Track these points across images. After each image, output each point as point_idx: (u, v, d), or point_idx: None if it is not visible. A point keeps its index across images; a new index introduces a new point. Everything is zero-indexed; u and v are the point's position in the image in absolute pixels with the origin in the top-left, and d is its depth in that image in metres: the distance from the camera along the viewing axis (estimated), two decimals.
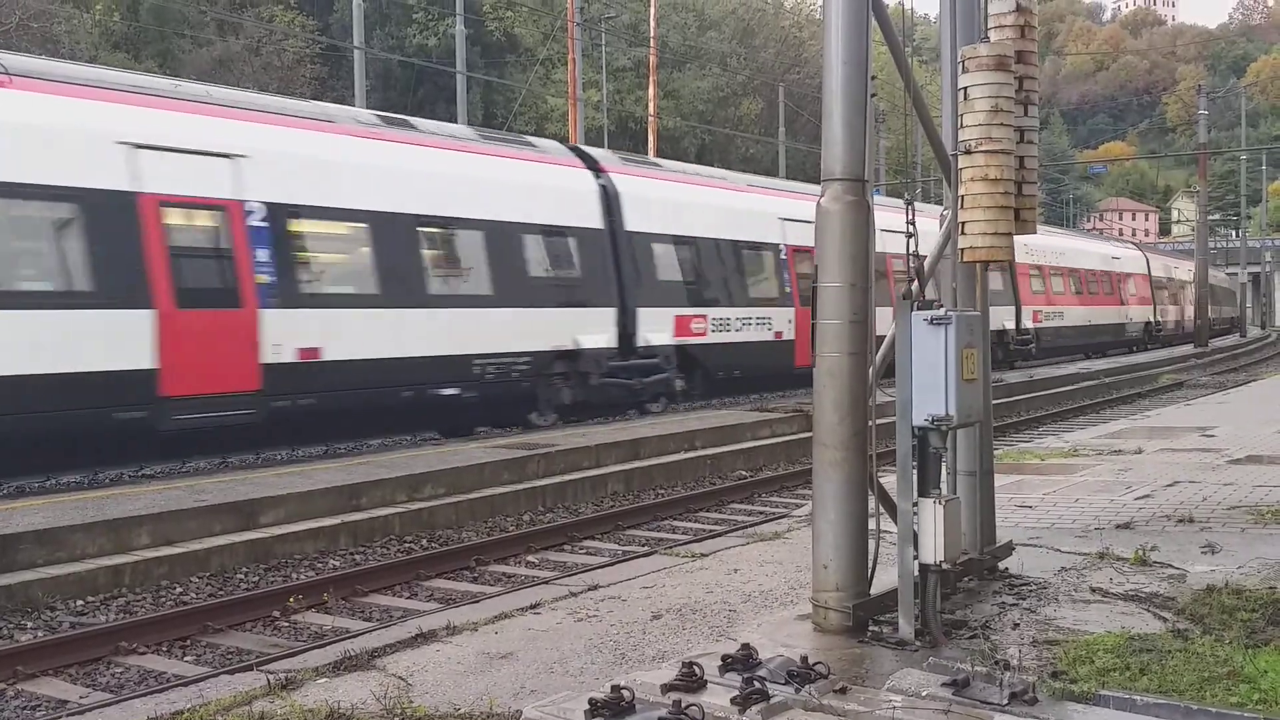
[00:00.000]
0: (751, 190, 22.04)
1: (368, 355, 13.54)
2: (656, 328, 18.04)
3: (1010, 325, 28.12)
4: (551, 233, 16.56)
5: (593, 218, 17.31)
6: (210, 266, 12.25)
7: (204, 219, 12.34)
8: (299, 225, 13.15)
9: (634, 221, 17.98)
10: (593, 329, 16.91)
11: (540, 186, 16.66)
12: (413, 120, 16.66)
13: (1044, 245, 33.41)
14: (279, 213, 12.84)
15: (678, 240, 18.85)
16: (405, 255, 14.30)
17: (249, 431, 12.65)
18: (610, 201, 17.70)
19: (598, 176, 17.94)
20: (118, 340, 11.34)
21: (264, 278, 12.55)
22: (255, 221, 12.59)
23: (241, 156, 12.58)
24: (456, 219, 15.14)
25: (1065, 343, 34.48)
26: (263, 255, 12.58)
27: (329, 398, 13.11)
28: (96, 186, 11.37)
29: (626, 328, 17.53)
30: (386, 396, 13.89)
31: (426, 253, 14.65)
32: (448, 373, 14.57)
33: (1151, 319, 43.65)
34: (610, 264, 17.47)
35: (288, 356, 12.67)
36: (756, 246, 20.76)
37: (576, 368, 16.69)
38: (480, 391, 15.05)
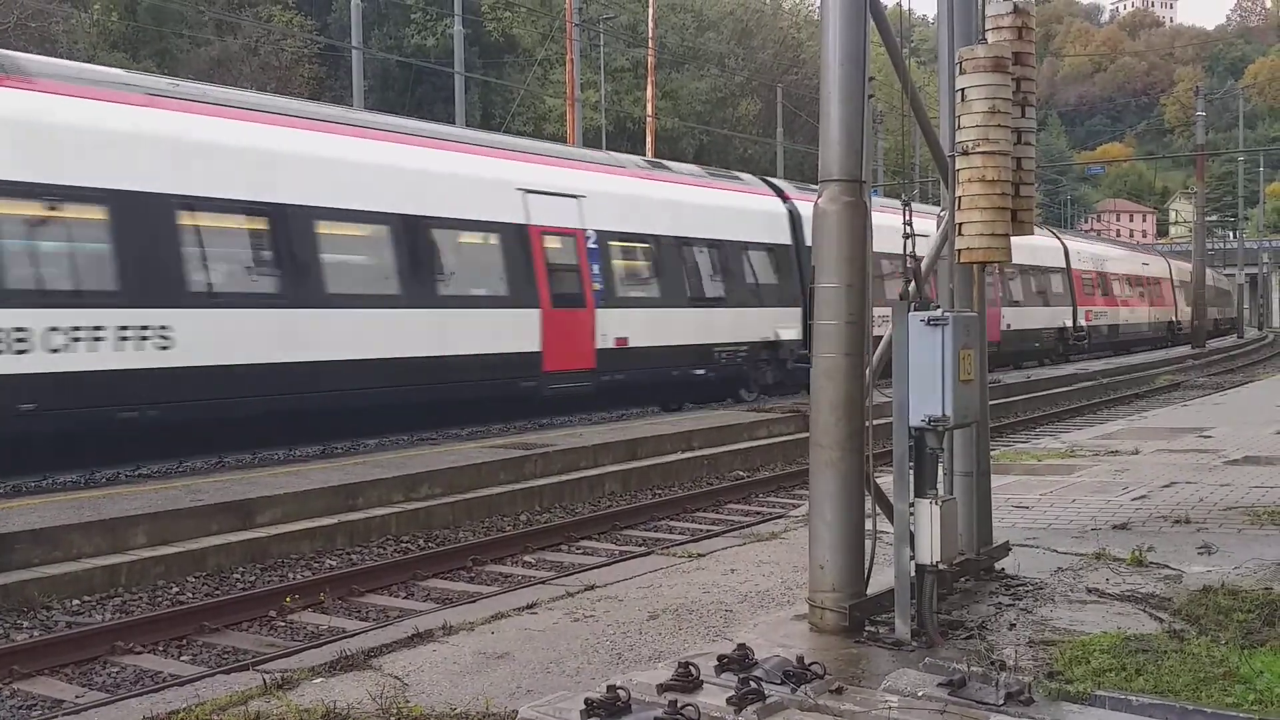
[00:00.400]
0: (892, 211, 25.03)
1: (655, 343, 17.91)
2: None
3: (1069, 324, 33.78)
4: (759, 248, 20.76)
5: (784, 235, 21.42)
6: (568, 277, 16.61)
7: (563, 243, 16.64)
8: (613, 245, 17.54)
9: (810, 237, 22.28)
10: (787, 324, 21.03)
11: (751, 211, 20.96)
12: (667, 163, 22.02)
13: (1094, 253, 38.70)
14: (603, 237, 17.25)
15: None
16: (674, 267, 18.82)
17: (586, 398, 17.22)
18: (794, 221, 21.54)
19: (784, 202, 21.93)
20: (523, 331, 15.67)
21: (596, 285, 16.97)
22: (590, 244, 17.03)
23: (581, 196, 17.04)
24: (702, 239, 19.45)
25: (1108, 339, 38.94)
26: (595, 269, 17.01)
27: (632, 374, 17.56)
28: (511, 221, 15.80)
29: (807, 323, 21.34)
30: (665, 375, 18.37)
31: (685, 265, 19.12)
32: (700, 358, 19.03)
33: (1174, 319, 47.60)
34: (796, 272, 21.26)
35: (610, 343, 17.04)
36: (892, 257, 24.08)
37: (776, 355, 20.89)
38: (717, 373, 19.44)
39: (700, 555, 8.12)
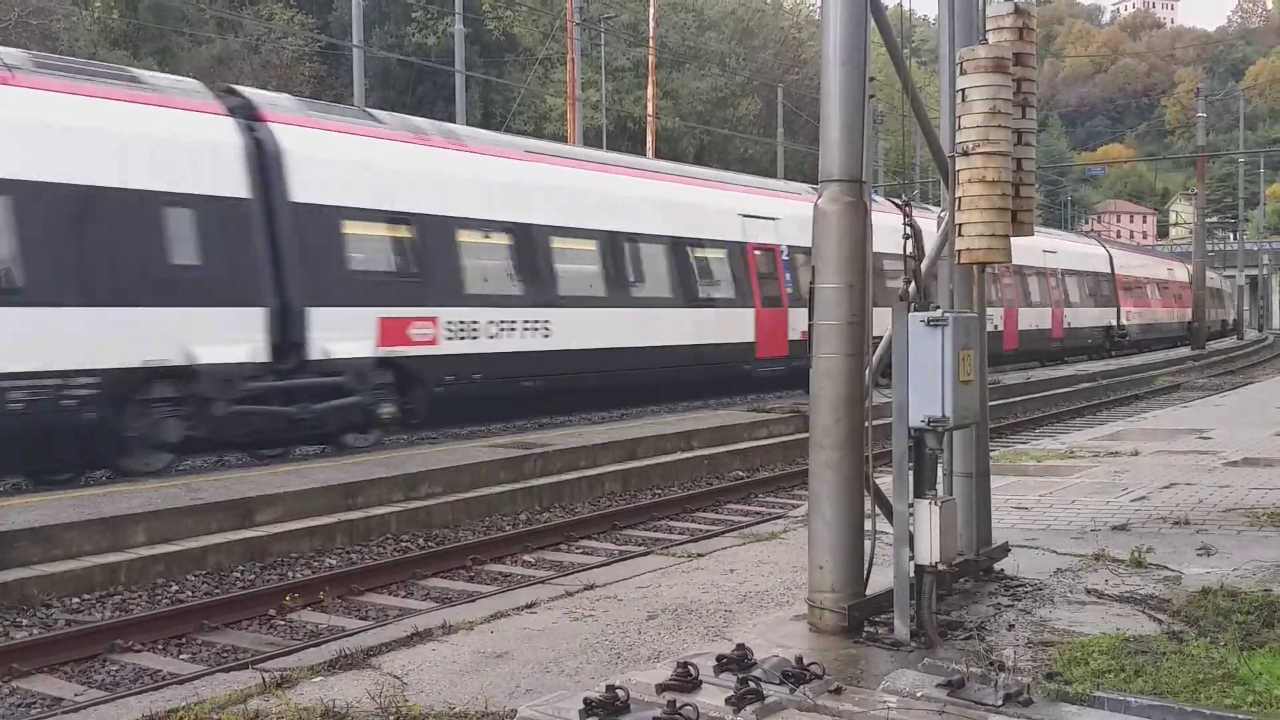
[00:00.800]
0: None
1: None
2: None
3: (1114, 323, 38.42)
4: (891, 258, 25.13)
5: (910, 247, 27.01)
6: (770, 283, 20.94)
7: (766, 255, 20.99)
8: (797, 257, 21.23)
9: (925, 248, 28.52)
10: None
11: (884, 227, 25.47)
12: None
13: (1131, 260, 43.42)
14: (793, 252, 21.22)
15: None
16: None
17: (781, 380, 21.02)
18: (914, 235, 26.93)
19: (904, 220, 26.92)
20: (744, 325, 20.08)
21: (788, 289, 21.19)
22: (784, 257, 21.28)
23: (778, 219, 21.24)
24: None
25: (1141, 336, 42.59)
26: (787, 276, 21.29)
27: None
28: (736, 240, 20.29)
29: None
30: None
31: None
32: None
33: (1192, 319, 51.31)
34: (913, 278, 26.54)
35: (797, 336, 20.75)
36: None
37: None
38: None
39: (700, 555, 8.12)
